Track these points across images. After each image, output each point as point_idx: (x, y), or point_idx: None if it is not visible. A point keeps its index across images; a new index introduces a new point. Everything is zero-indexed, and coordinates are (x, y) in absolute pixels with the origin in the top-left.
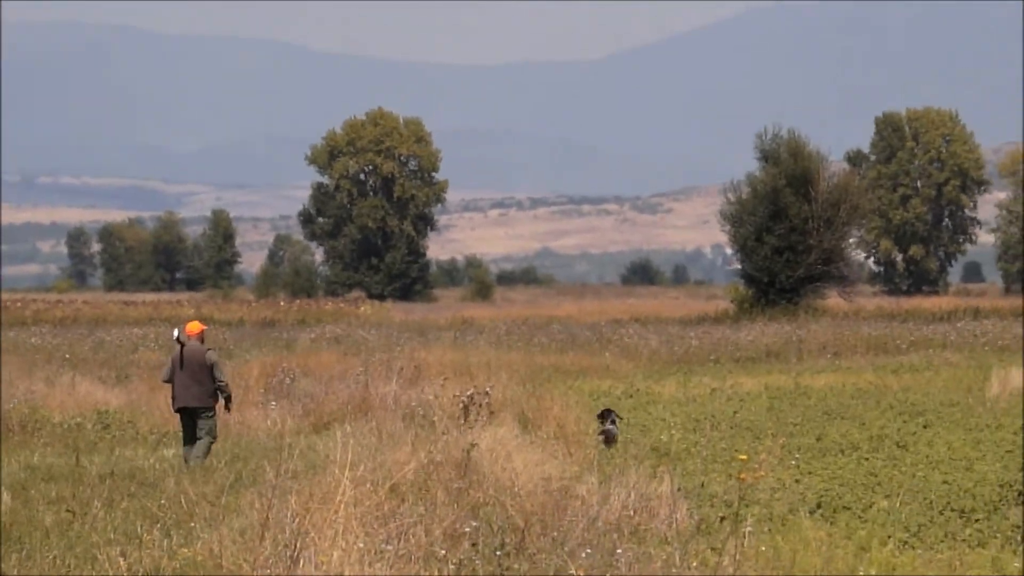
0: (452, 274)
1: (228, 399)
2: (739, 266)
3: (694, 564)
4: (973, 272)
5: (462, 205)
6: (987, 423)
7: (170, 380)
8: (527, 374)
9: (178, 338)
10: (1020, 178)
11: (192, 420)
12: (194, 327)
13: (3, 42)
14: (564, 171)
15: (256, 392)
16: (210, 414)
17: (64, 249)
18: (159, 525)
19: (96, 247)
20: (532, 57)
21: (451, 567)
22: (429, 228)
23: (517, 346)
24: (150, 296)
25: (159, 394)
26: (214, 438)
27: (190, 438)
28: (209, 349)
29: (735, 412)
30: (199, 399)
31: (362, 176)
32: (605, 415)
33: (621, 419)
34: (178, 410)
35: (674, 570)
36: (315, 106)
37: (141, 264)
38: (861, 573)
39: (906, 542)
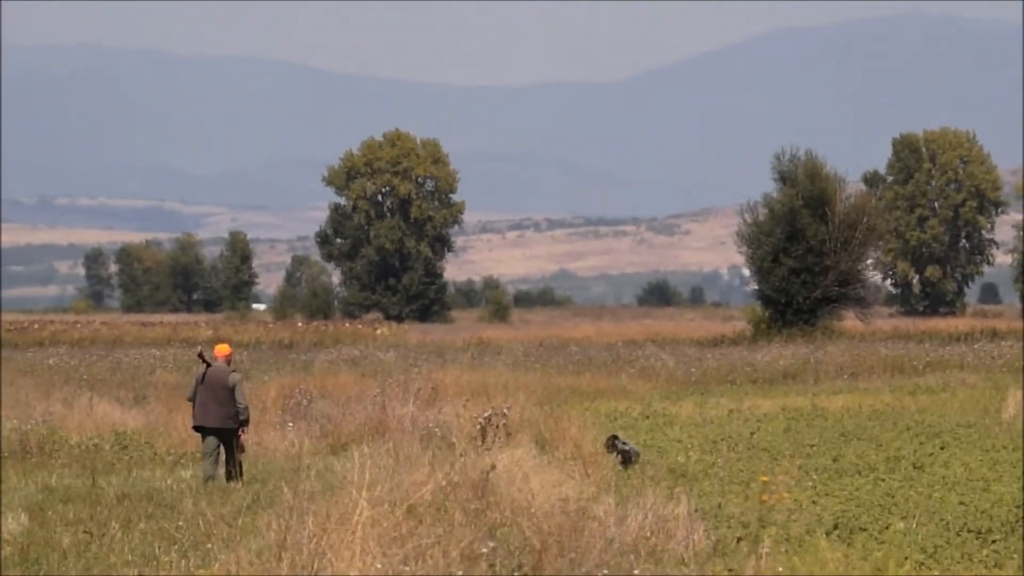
0: (469, 295)
1: (245, 422)
2: (756, 287)
3: None
4: (990, 293)
5: (479, 226)
6: (1004, 444)
7: (193, 398)
8: (544, 395)
9: (202, 356)
10: None
11: (212, 436)
12: (222, 349)
13: (20, 64)
14: (581, 192)
15: (274, 413)
16: (235, 434)
17: (82, 270)
18: (176, 546)
19: (114, 268)
20: (549, 79)
21: None
22: (446, 249)
23: (534, 367)
24: (168, 317)
25: (177, 415)
26: (243, 452)
27: (208, 454)
28: (234, 371)
29: (752, 433)
30: (218, 419)
31: (379, 197)
32: (612, 442)
33: (626, 445)
34: (195, 428)
35: None
36: (333, 127)
37: (159, 285)
38: None
39: (923, 563)
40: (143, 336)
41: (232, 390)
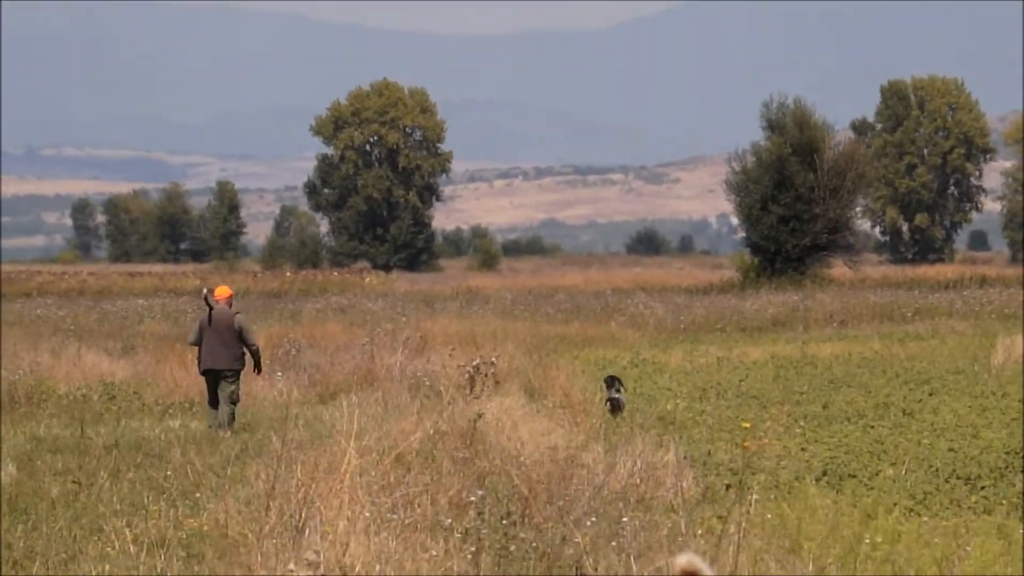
0: (457, 244)
1: (258, 361)
2: (745, 235)
3: (700, 532)
4: (979, 240)
5: (467, 176)
6: (992, 391)
7: (197, 343)
8: (533, 344)
9: (206, 300)
10: None
11: (219, 379)
12: (223, 291)
13: (6, 15)
14: (570, 141)
15: (262, 363)
16: (233, 378)
17: (69, 221)
18: (165, 496)
19: (101, 219)
20: (537, 27)
21: (457, 536)
22: (434, 198)
23: (523, 316)
24: (155, 267)
25: (165, 365)
26: (236, 402)
27: (213, 401)
28: (237, 313)
29: (741, 381)
30: (227, 362)
31: (367, 147)
32: (610, 382)
33: (625, 388)
34: (204, 372)
35: (680, 538)
36: (320, 77)
37: (146, 235)
38: (867, 540)
39: (912, 509)
40: (131, 286)
41: (239, 332)
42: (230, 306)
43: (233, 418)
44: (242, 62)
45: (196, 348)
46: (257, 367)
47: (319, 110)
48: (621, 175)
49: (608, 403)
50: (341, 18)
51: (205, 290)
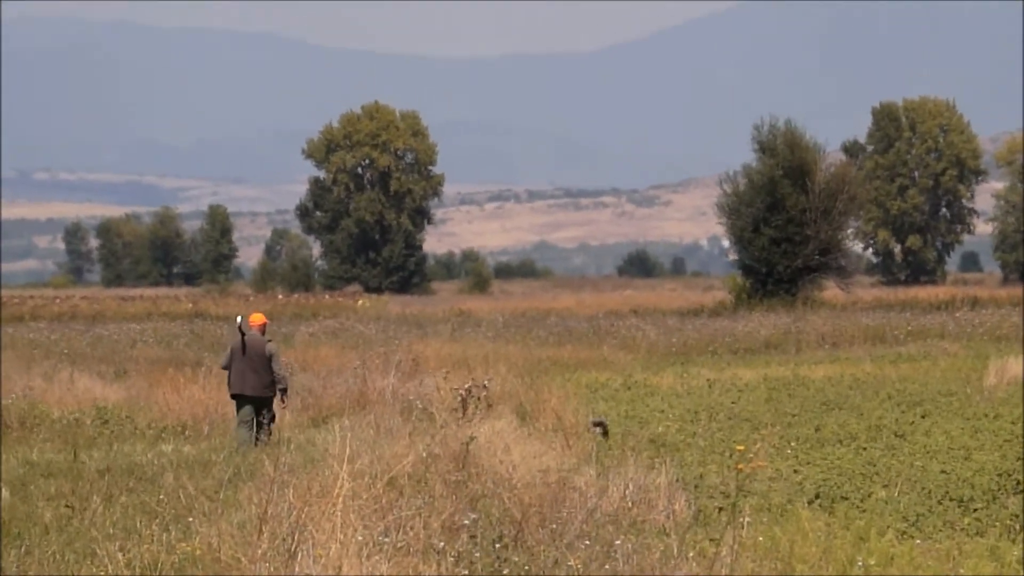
0: (449, 267)
1: (284, 391)
2: (736, 257)
3: (692, 555)
4: (971, 262)
5: (459, 199)
6: (985, 412)
7: (227, 367)
8: (525, 367)
9: (240, 327)
10: (1019, 167)
11: (248, 405)
12: (257, 318)
13: (2, 39)
14: (561, 164)
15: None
16: (270, 403)
17: (61, 245)
18: (158, 520)
19: (93, 243)
20: (527, 50)
21: (449, 560)
22: (426, 221)
23: (515, 339)
24: (148, 291)
25: (158, 389)
26: (272, 421)
27: (244, 422)
28: (269, 341)
29: (733, 403)
30: (255, 388)
31: (359, 170)
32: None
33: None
34: (233, 396)
35: (672, 561)
36: (312, 100)
37: (139, 259)
38: (859, 563)
39: (904, 532)
40: (123, 310)
41: (269, 359)
42: (263, 333)
43: (270, 434)
44: (234, 86)
45: (225, 372)
46: (282, 397)
47: (311, 133)
48: (613, 198)
49: (598, 427)
50: (334, 42)
51: (240, 317)
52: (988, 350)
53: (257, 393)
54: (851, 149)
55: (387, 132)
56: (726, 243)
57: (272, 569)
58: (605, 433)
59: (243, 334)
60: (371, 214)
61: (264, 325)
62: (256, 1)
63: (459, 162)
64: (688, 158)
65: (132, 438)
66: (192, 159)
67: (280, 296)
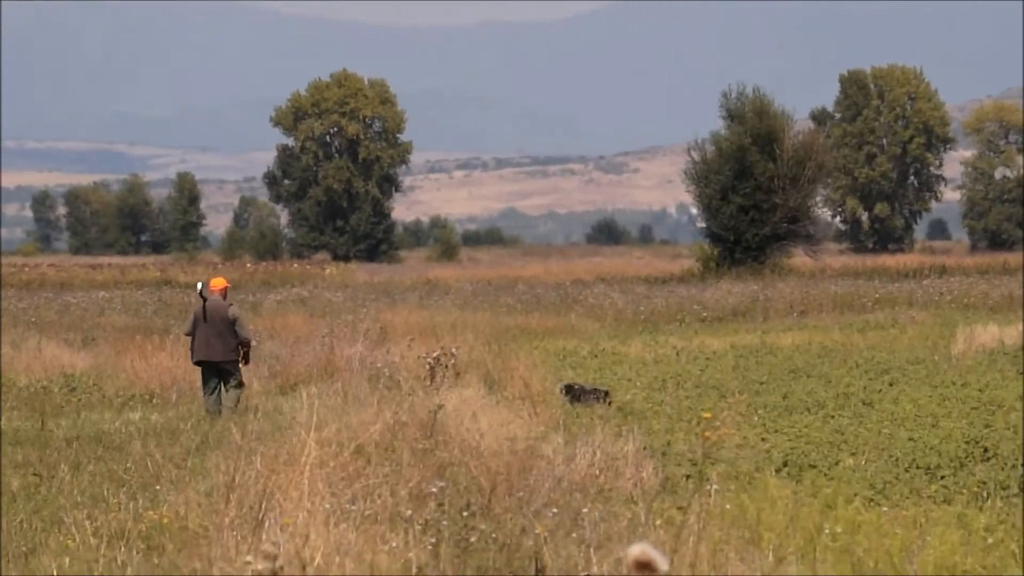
0: (417, 235)
1: (247, 354)
2: (704, 225)
3: (659, 523)
4: (939, 229)
5: (427, 166)
6: (952, 380)
7: (191, 333)
8: (493, 334)
9: (201, 293)
10: (986, 135)
11: (215, 372)
12: (218, 283)
13: None
14: (529, 132)
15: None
16: (235, 367)
17: (29, 213)
18: (125, 488)
19: (62, 211)
20: (496, 17)
21: (417, 527)
22: (394, 189)
23: (483, 307)
24: (116, 259)
25: (125, 357)
26: (241, 386)
27: (212, 389)
28: (231, 305)
29: (701, 371)
30: (221, 354)
31: (327, 138)
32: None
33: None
34: (197, 363)
35: (639, 529)
36: (281, 68)
37: (106, 227)
38: (827, 531)
39: (872, 499)
40: (91, 278)
41: (233, 323)
42: (224, 298)
43: (239, 401)
44: (203, 55)
45: (190, 339)
46: (245, 359)
47: (279, 101)
48: (580, 165)
49: (567, 394)
50: (302, 11)
51: (200, 283)
52: (956, 318)
53: (222, 358)
54: (819, 117)
55: (355, 100)
56: (694, 211)
57: (239, 537)
58: (577, 398)
59: (204, 300)
60: (339, 182)
61: (225, 289)
62: None
63: (427, 130)
64: (655, 126)
65: (100, 406)
66: (161, 127)
67: (248, 264)
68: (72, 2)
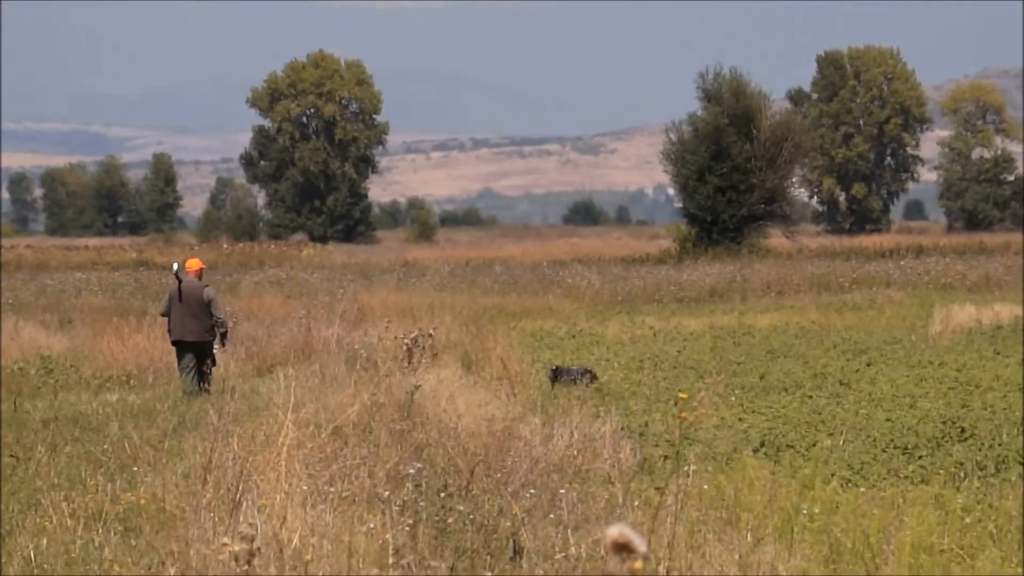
0: (395, 216)
1: (224, 335)
2: (681, 206)
3: (637, 503)
4: (916, 210)
5: (404, 147)
6: (930, 360)
7: (166, 314)
8: (470, 315)
9: (176, 274)
10: (963, 115)
11: (190, 352)
12: (193, 264)
13: None
14: (507, 112)
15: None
16: (210, 348)
17: (6, 194)
18: (103, 470)
19: (38, 192)
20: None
21: (394, 508)
22: (371, 170)
23: (460, 288)
24: (92, 241)
25: (102, 338)
26: (214, 365)
27: (188, 369)
28: (207, 286)
29: (678, 352)
30: (196, 334)
31: (304, 119)
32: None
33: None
34: (173, 343)
35: (617, 509)
36: (257, 49)
37: (83, 209)
38: (804, 511)
39: (849, 480)
40: (68, 260)
41: (208, 304)
42: (200, 279)
43: (210, 381)
44: (180, 35)
45: (165, 319)
46: (222, 340)
47: (256, 82)
48: (558, 146)
49: (554, 373)
50: None
51: (176, 264)
52: (932, 298)
53: (197, 339)
54: (796, 97)
55: (332, 81)
56: (672, 191)
57: (217, 518)
58: (558, 378)
59: (180, 280)
60: (316, 163)
61: (201, 270)
62: None
63: (404, 111)
64: (633, 106)
65: (77, 387)
66: (138, 108)
67: (225, 245)
68: None
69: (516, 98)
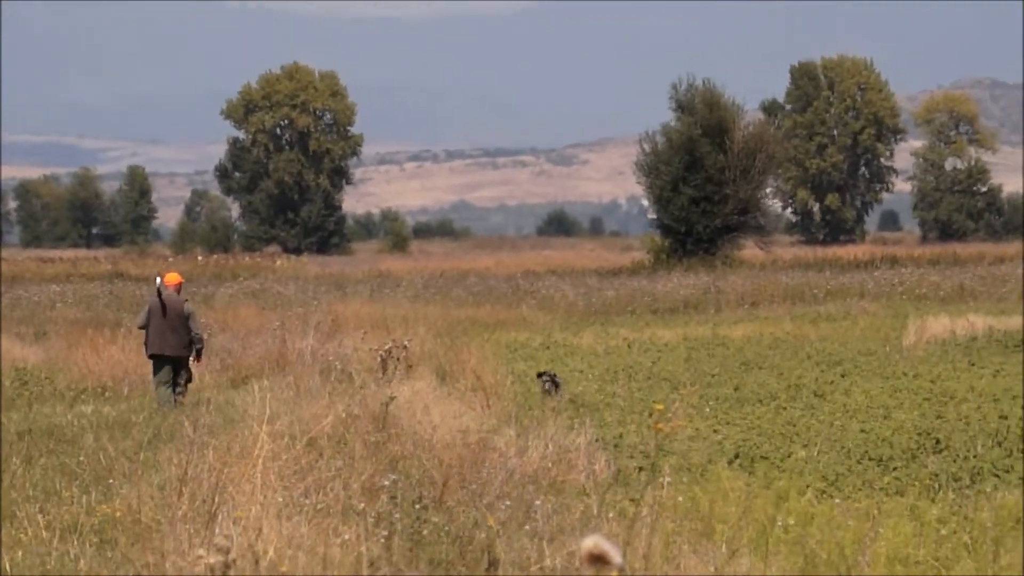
0: (369, 227)
1: (200, 351)
2: (655, 217)
3: (612, 515)
4: (890, 220)
5: (378, 159)
6: (904, 371)
7: (144, 327)
8: (444, 327)
9: (158, 288)
10: (937, 126)
11: (165, 364)
12: (172, 278)
13: None
14: (480, 124)
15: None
16: (186, 362)
17: None
18: (78, 482)
19: (12, 204)
20: (447, 12)
21: (369, 520)
22: (345, 182)
23: (434, 299)
24: (67, 253)
25: (77, 350)
26: (189, 380)
27: (164, 382)
28: (186, 300)
29: (652, 363)
30: (173, 348)
31: (278, 130)
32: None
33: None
34: (150, 356)
35: (592, 521)
36: (232, 60)
37: (57, 221)
38: (779, 522)
39: (824, 491)
40: (42, 272)
41: (187, 319)
42: (179, 293)
43: (184, 394)
44: (154, 47)
45: (144, 332)
46: (198, 355)
47: (230, 94)
48: (531, 157)
49: (544, 379)
50: (254, 2)
51: (159, 278)
52: (907, 309)
53: (176, 353)
54: (769, 108)
55: (306, 92)
56: (645, 203)
57: (192, 530)
58: (556, 386)
59: (159, 293)
60: (290, 174)
61: (180, 285)
62: None
63: (378, 122)
64: (606, 117)
65: (52, 399)
66: (112, 120)
67: (199, 257)
68: None
69: (490, 109)
